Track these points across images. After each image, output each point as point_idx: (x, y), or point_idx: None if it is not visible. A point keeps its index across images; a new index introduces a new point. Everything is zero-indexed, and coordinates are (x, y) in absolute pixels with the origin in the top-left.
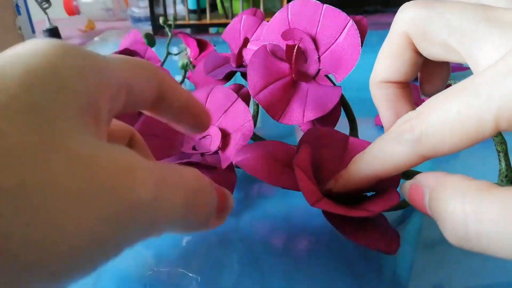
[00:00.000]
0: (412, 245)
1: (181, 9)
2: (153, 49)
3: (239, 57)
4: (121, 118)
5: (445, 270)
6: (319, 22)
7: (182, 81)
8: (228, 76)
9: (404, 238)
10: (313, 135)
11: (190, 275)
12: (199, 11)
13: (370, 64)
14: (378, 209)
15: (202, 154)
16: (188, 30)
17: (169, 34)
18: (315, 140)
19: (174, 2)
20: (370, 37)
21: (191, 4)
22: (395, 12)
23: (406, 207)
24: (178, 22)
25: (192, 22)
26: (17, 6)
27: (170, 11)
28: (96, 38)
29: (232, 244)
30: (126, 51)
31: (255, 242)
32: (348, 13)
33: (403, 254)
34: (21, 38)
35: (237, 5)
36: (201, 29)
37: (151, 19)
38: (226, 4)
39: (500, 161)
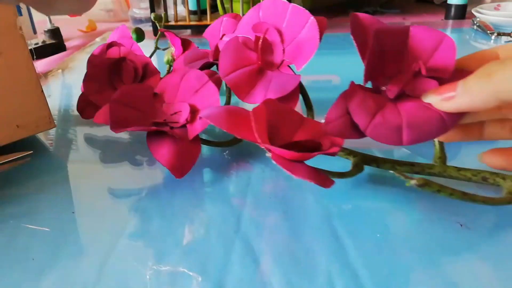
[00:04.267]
0: (407, 247)
1: (181, 10)
2: (151, 45)
3: (216, 51)
4: (101, 92)
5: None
6: (285, 18)
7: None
8: (205, 68)
9: (402, 240)
10: (273, 105)
11: (191, 274)
12: (200, 12)
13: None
14: (314, 154)
15: (172, 127)
16: (188, 31)
17: (158, 29)
18: (275, 111)
19: (175, 3)
20: None
21: (192, 5)
22: (395, 13)
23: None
24: (179, 23)
25: (192, 23)
26: (18, 6)
27: (170, 12)
28: (97, 39)
29: (232, 244)
30: (113, 44)
31: (256, 241)
32: (348, 15)
33: (400, 255)
34: (22, 39)
35: (237, 6)
36: (202, 29)
37: (151, 20)
38: (227, 5)
39: (435, 145)
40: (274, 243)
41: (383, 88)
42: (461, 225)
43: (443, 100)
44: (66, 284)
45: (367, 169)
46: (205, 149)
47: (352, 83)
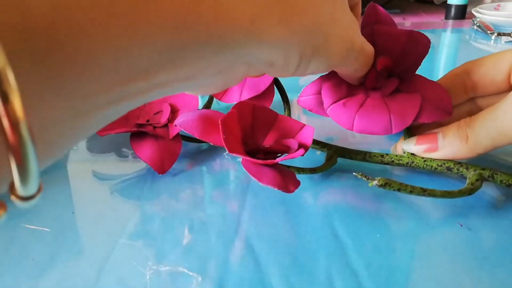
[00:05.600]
0: (407, 247)
1: None
2: None
3: None
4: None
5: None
6: None
7: None
8: None
9: (401, 243)
10: (245, 107)
11: (191, 274)
12: None
13: None
14: (280, 160)
15: (154, 127)
16: None
17: None
18: (247, 112)
19: None
20: None
21: None
22: (394, 13)
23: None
24: None
25: None
26: None
27: None
28: None
29: (232, 243)
30: None
31: (256, 241)
32: None
33: (400, 255)
34: None
35: None
36: None
37: None
38: None
39: (404, 134)
40: (274, 243)
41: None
42: (461, 225)
43: (426, 151)
44: (66, 284)
45: (367, 168)
46: (205, 149)
47: None
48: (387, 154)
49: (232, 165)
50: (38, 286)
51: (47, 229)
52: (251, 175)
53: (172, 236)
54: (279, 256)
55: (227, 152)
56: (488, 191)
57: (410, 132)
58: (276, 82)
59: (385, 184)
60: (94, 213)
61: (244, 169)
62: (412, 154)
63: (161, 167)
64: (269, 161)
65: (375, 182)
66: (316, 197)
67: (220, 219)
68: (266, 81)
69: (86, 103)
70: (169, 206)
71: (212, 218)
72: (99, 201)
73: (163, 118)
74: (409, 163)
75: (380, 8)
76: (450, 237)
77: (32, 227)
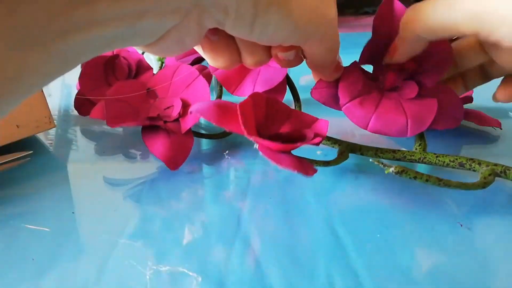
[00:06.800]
0: (407, 248)
1: None
2: None
3: None
4: (97, 89)
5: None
6: None
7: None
8: (196, 62)
9: (400, 242)
10: (260, 98)
11: (191, 274)
12: None
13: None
14: (298, 145)
15: (165, 122)
16: None
17: None
18: (262, 104)
19: None
20: (368, 38)
21: None
22: None
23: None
24: None
25: None
26: None
27: None
28: None
29: (232, 244)
30: None
31: (256, 241)
32: (349, 14)
33: (400, 255)
34: None
35: None
36: None
37: None
38: None
39: (416, 138)
40: (274, 243)
41: (381, 77)
42: (461, 225)
43: (389, 55)
44: (66, 284)
45: (367, 168)
46: (205, 149)
47: (355, 62)
48: (398, 150)
49: (232, 165)
50: (38, 286)
51: (47, 229)
52: (269, 159)
53: (172, 236)
54: (279, 256)
55: (227, 151)
56: (490, 191)
57: (423, 136)
58: (287, 80)
59: (402, 172)
60: (94, 213)
61: (262, 154)
62: (424, 150)
63: (174, 163)
64: (287, 145)
65: (391, 169)
66: (316, 197)
67: (220, 219)
68: (279, 76)
69: (27, 34)
70: (169, 206)
71: (212, 218)
72: (99, 201)
73: (174, 112)
74: (421, 159)
75: (398, 3)
76: (450, 237)
77: (32, 227)
